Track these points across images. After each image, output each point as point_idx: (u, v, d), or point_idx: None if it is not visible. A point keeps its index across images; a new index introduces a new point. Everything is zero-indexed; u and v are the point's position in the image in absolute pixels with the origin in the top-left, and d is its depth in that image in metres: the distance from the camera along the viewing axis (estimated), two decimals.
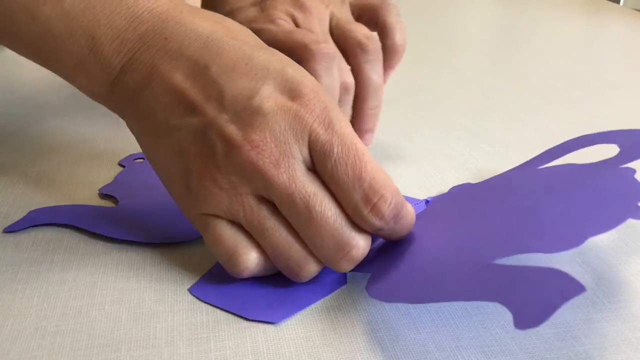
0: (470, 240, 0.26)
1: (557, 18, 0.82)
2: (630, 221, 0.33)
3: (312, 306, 0.27)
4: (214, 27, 0.28)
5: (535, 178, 0.30)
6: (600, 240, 0.31)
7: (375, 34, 0.38)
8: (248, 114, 0.26)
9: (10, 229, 0.31)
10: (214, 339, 0.25)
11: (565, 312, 0.26)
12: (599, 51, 0.67)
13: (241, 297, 0.27)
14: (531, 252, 0.23)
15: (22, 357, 0.24)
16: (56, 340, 0.25)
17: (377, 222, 0.26)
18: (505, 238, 0.25)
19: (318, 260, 0.26)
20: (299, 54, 0.33)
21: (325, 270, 0.28)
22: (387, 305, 0.26)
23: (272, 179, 0.25)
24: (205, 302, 0.27)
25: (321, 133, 0.25)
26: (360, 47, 0.36)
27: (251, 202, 0.26)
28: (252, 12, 0.37)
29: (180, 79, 0.27)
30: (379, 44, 0.37)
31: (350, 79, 0.36)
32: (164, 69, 0.27)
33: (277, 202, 0.26)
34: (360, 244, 0.26)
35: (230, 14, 0.38)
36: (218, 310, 0.26)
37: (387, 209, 0.25)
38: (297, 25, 0.37)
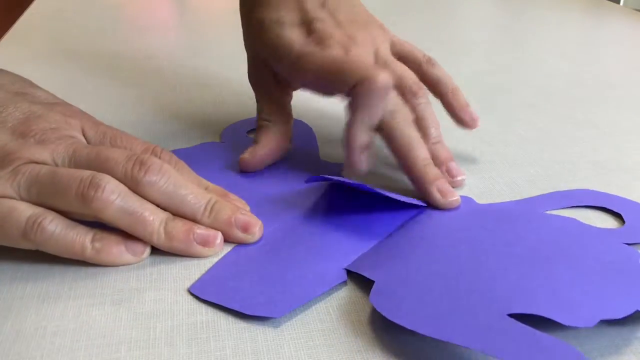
0: (483, 277, 0.26)
1: (557, 18, 0.82)
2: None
3: (312, 307, 0.27)
4: None
5: (543, 225, 0.31)
6: None
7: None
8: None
9: None
10: (214, 339, 0.25)
11: None
12: (599, 51, 0.67)
13: (241, 294, 0.27)
14: (547, 316, 0.24)
15: (22, 357, 0.24)
16: (56, 340, 0.25)
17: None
18: (520, 291, 0.25)
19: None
20: (357, 76, 0.34)
21: (324, 265, 0.28)
22: None
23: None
24: (205, 301, 0.27)
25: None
26: (412, 92, 0.37)
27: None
28: (296, 32, 0.37)
29: None
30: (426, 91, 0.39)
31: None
32: None
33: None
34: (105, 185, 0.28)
35: (264, 22, 0.38)
36: (218, 310, 0.26)
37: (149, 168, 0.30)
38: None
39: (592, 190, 0.36)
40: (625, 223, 0.32)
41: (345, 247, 0.30)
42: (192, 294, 0.27)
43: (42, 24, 0.75)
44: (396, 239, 0.30)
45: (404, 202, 0.33)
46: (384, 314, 0.25)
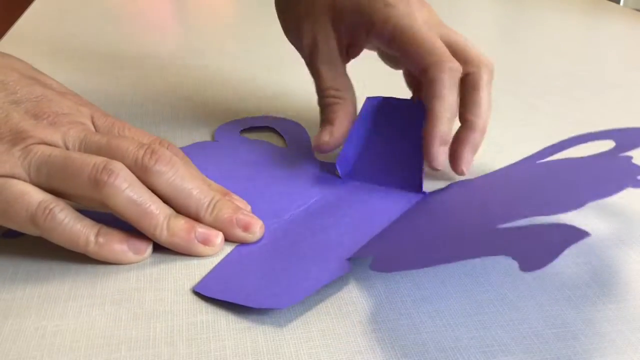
0: (470, 216, 0.26)
1: (557, 18, 0.82)
2: (631, 222, 0.33)
3: (312, 307, 0.27)
4: None
5: (534, 169, 0.31)
6: (601, 241, 0.31)
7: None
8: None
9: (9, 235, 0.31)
10: (214, 339, 0.25)
11: (566, 312, 0.26)
12: (599, 51, 0.67)
13: (246, 290, 0.27)
14: (534, 215, 0.23)
15: (22, 357, 0.24)
16: (56, 340, 0.25)
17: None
18: (505, 209, 0.25)
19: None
20: (431, 61, 0.34)
21: (327, 257, 0.28)
22: (387, 306, 0.26)
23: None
24: (206, 301, 0.27)
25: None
26: (484, 66, 0.37)
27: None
28: None
29: None
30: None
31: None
32: None
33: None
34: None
35: None
36: (218, 310, 0.26)
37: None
38: None
39: (580, 134, 0.35)
40: (615, 144, 0.32)
41: (346, 240, 0.30)
42: (195, 293, 0.27)
43: (42, 24, 0.75)
44: (395, 225, 0.31)
45: (394, 200, 0.33)
46: (382, 271, 0.25)
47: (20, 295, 0.27)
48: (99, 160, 0.28)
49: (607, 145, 0.32)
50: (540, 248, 0.20)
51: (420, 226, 0.29)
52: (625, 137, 0.32)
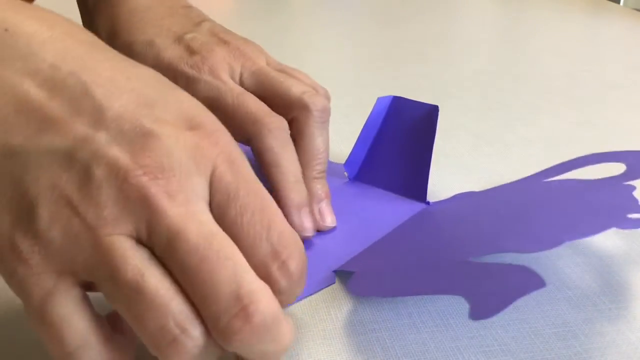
0: (455, 241, 0.26)
1: (557, 18, 0.82)
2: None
3: (312, 307, 0.27)
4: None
5: (536, 189, 0.30)
6: (601, 241, 0.31)
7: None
8: (138, 135, 0.19)
9: None
10: None
11: (566, 312, 0.26)
12: (599, 51, 0.67)
13: None
14: (506, 251, 0.23)
15: (22, 357, 0.24)
16: None
17: (282, 281, 0.20)
18: (487, 239, 0.25)
19: (202, 322, 0.19)
20: (250, 126, 0.30)
21: (313, 268, 0.28)
22: (386, 306, 0.26)
23: (163, 210, 0.19)
24: None
25: (226, 171, 0.20)
26: (306, 109, 0.32)
27: (124, 244, 0.19)
28: (177, 50, 0.33)
29: (30, 85, 0.20)
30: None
31: None
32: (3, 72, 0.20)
33: (161, 242, 0.19)
34: (262, 301, 0.19)
35: (133, 45, 0.33)
36: None
37: (295, 267, 0.21)
38: (233, 77, 0.33)
39: (594, 153, 0.34)
40: (626, 167, 0.31)
41: (333, 251, 0.30)
42: None
43: None
44: (387, 238, 0.31)
45: (394, 209, 0.33)
46: (355, 294, 0.25)
47: None
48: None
49: (619, 168, 0.31)
50: (494, 295, 0.20)
51: (404, 248, 0.28)
52: (638, 161, 0.31)
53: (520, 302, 0.27)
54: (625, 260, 0.30)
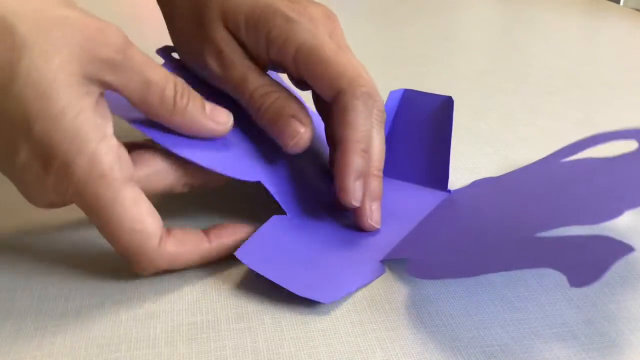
0: (506, 221, 0.27)
1: (557, 18, 0.82)
2: (631, 221, 0.33)
3: (312, 306, 0.27)
4: None
5: (558, 169, 0.31)
6: None
7: None
8: None
9: None
10: (214, 339, 0.25)
11: (566, 312, 0.26)
12: (599, 51, 0.67)
13: (291, 271, 0.27)
14: (572, 225, 0.24)
15: (22, 357, 0.24)
16: (56, 340, 0.25)
17: None
18: (542, 216, 0.25)
19: None
20: (342, 86, 0.30)
21: (362, 259, 0.29)
22: (387, 306, 0.26)
23: None
24: (205, 301, 0.27)
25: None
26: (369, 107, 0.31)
27: None
28: None
29: None
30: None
31: None
32: None
33: None
34: None
35: None
36: (218, 310, 0.26)
37: None
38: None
39: (602, 132, 0.34)
40: (639, 144, 0.31)
41: (376, 240, 0.30)
42: (237, 258, 0.27)
43: None
44: (425, 227, 0.31)
45: (419, 199, 0.33)
46: (424, 277, 0.25)
47: (20, 295, 0.27)
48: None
49: (630, 145, 0.31)
50: (587, 263, 0.21)
51: (453, 230, 0.28)
52: None
53: (520, 302, 0.27)
54: (625, 260, 0.30)
